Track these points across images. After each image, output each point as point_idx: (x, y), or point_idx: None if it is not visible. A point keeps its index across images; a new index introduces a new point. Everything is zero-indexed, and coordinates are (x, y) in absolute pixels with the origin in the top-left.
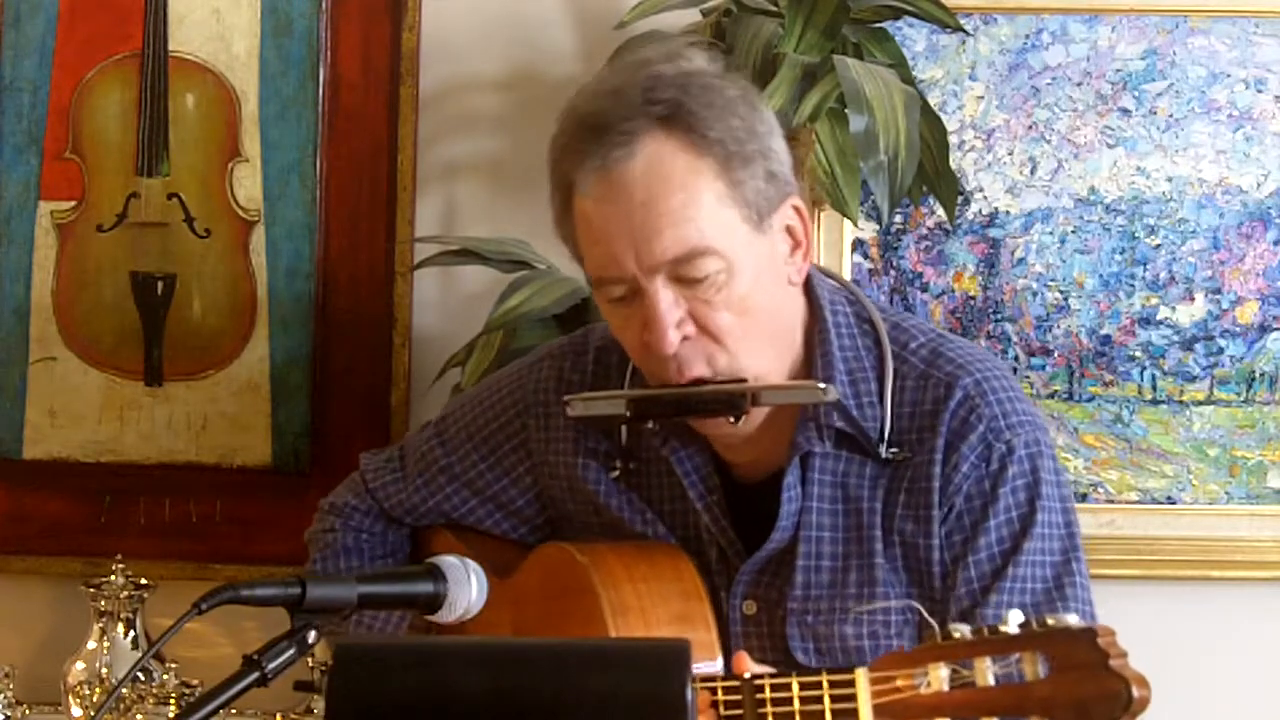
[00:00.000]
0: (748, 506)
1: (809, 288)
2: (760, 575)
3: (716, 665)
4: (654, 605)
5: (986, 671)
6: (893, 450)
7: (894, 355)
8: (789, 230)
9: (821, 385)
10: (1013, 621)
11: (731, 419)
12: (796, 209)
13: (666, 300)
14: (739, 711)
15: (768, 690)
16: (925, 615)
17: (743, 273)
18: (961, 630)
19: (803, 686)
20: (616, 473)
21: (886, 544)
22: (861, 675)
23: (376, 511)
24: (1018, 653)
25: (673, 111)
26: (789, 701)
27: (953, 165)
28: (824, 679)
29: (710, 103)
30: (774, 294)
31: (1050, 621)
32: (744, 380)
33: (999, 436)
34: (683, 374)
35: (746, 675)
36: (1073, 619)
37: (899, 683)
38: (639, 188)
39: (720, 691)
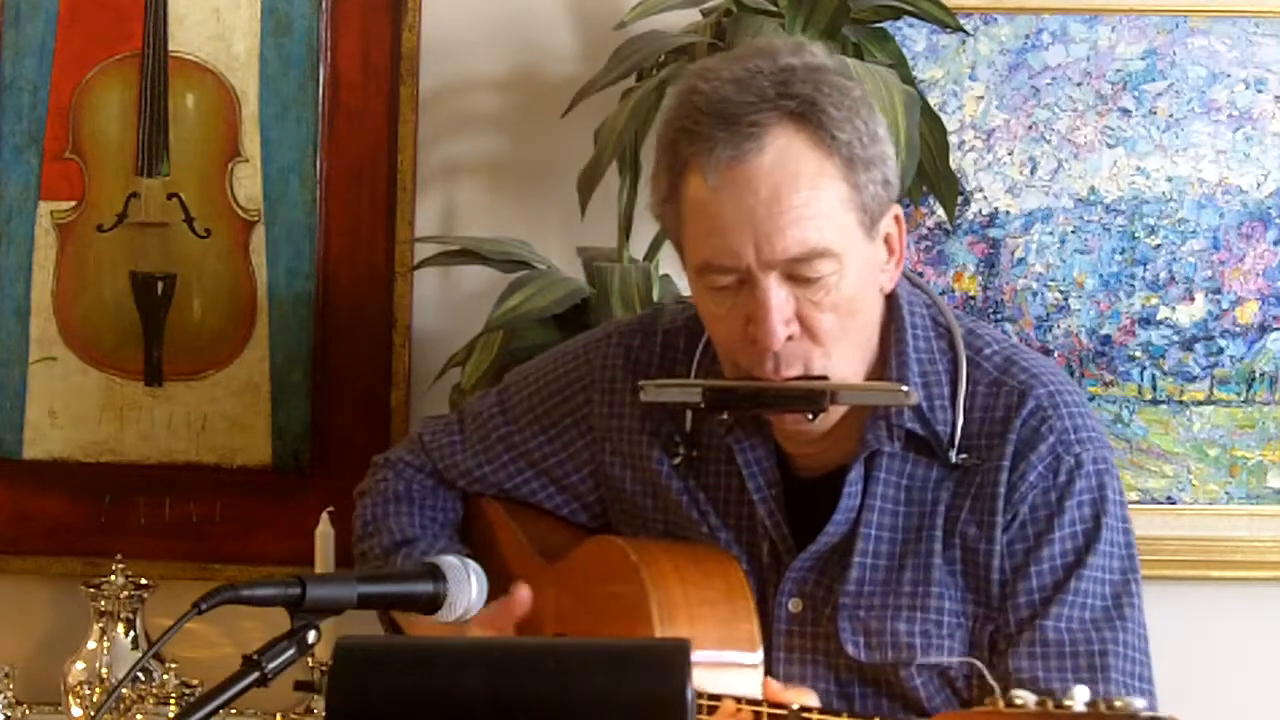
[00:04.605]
0: (806, 504)
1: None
2: (809, 573)
3: (756, 656)
4: (702, 611)
5: None
6: (962, 455)
7: (968, 360)
8: (887, 239)
9: (904, 388)
10: (1079, 698)
11: (810, 415)
12: (897, 218)
13: (779, 297)
14: None
15: None
16: (987, 675)
17: (850, 276)
18: (1025, 698)
19: None
20: (678, 459)
21: (946, 545)
22: None
23: (430, 468)
24: None
25: (805, 108)
26: None
27: (953, 165)
28: None
29: (840, 102)
30: (870, 301)
31: (1118, 704)
32: (824, 378)
33: (1069, 449)
34: (779, 372)
35: (795, 706)
36: (1140, 703)
37: None
38: (766, 182)
39: (766, 718)
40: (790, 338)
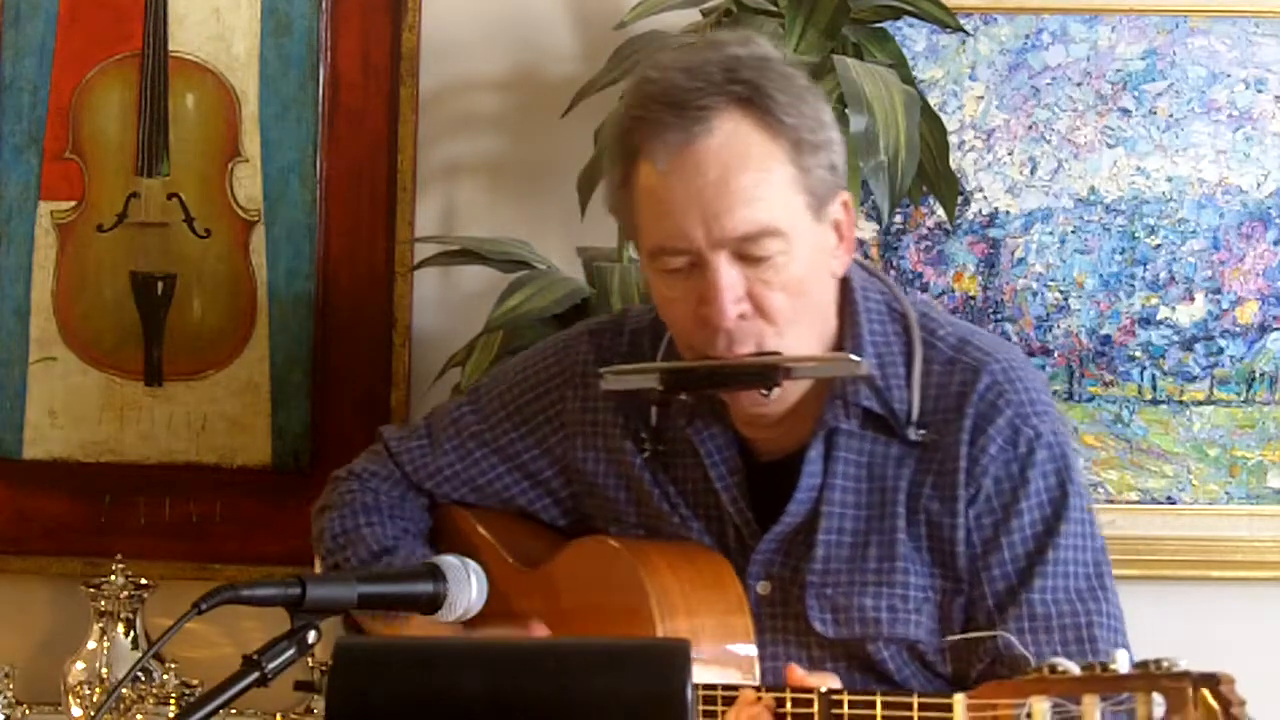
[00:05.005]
0: (769, 488)
1: (844, 275)
2: (775, 554)
3: (753, 649)
4: (697, 604)
5: (1094, 708)
6: (920, 432)
7: (923, 341)
8: (836, 224)
9: (854, 357)
10: (1123, 661)
11: (764, 391)
12: (845, 204)
13: (730, 276)
14: None
15: (845, 707)
16: (1018, 646)
17: (800, 257)
18: (1067, 665)
19: (887, 706)
20: (647, 453)
21: (910, 522)
22: (959, 701)
23: (397, 477)
24: (1129, 693)
25: (752, 94)
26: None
27: (953, 165)
28: (914, 700)
29: (785, 89)
30: (820, 282)
31: (1164, 663)
32: (777, 354)
33: (1026, 421)
34: (732, 349)
35: (822, 689)
36: (1185, 661)
37: (999, 712)
38: (714, 164)
39: (789, 703)
40: (742, 316)
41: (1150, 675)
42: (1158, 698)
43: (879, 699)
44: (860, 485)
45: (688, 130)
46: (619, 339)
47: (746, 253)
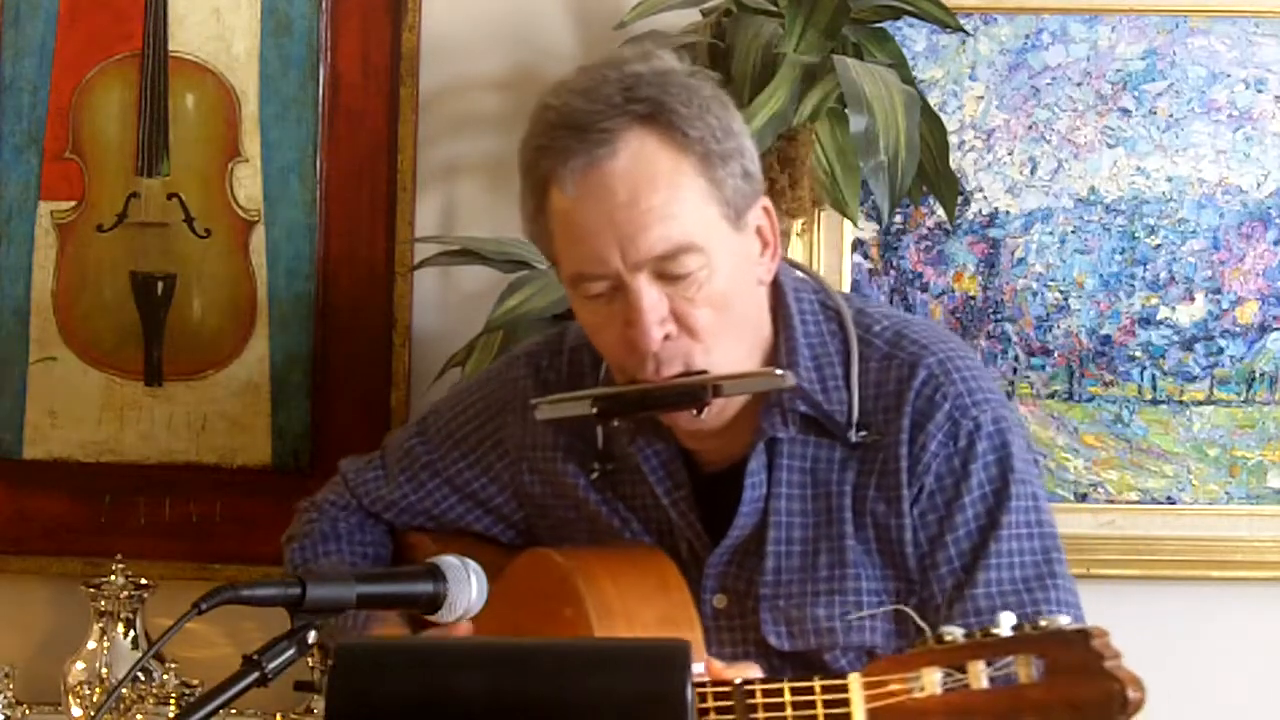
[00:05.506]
0: (717, 499)
1: (774, 279)
2: (728, 567)
3: (701, 666)
4: (639, 608)
5: (980, 674)
6: (861, 433)
7: (859, 340)
8: (759, 230)
9: (779, 371)
10: (1005, 624)
11: (695, 411)
12: (766, 209)
13: (650, 297)
14: (730, 717)
15: (759, 696)
16: (916, 619)
17: (721, 270)
18: (953, 633)
19: (794, 692)
20: (595, 474)
21: (858, 526)
22: (855, 680)
23: (355, 506)
24: (1011, 655)
25: (654, 110)
26: (781, 708)
27: (953, 165)
28: (816, 684)
29: (688, 101)
30: (747, 292)
31: (1043, 623)
32: (704, 372)
33: (965, 413)
34: (660, 372)
35: (738, 681)
36: (1064, 619)
37: (892, 687)
38: (623, 185)
39: (710, 698)
40: (668, 337)
41: (1027, 636)
42: (1036, 658)
43: (786, 685)
44: (805, 492)
45: (591, 154)
46: (558, 358)
47: (666, 271)
